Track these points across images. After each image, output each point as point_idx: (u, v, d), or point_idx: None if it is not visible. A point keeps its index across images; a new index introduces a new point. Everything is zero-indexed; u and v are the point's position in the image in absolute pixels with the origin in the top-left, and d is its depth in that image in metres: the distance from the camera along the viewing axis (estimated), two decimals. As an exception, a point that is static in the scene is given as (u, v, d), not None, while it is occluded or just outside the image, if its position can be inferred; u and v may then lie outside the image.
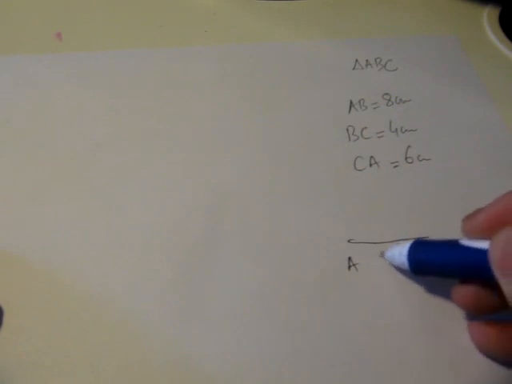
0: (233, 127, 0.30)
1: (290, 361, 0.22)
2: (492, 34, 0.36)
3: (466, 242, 0.21)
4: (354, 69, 0.34)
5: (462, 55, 0.35)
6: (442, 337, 0.23)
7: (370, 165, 0.29)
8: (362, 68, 0.34)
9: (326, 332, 0.23)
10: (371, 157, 0.29)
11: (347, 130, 0.30)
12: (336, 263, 0.25)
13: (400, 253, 0.24)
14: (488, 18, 0.38)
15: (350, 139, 0.30)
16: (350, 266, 0.25)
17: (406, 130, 0.30)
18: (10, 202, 0.26)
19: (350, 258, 0.25)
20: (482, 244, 0.20)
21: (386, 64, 0.34)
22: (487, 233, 0.20)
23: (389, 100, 0.32)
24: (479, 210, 0.22)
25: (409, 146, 0.29)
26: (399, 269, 0.25)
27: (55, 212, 0.26)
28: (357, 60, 0.34)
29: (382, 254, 0.25)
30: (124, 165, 0.28)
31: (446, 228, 0.26)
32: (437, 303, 0.24)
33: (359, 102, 0.32)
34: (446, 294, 0.24)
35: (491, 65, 0.34)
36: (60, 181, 0.27)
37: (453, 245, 0.21)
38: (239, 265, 0.25)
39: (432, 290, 0.24)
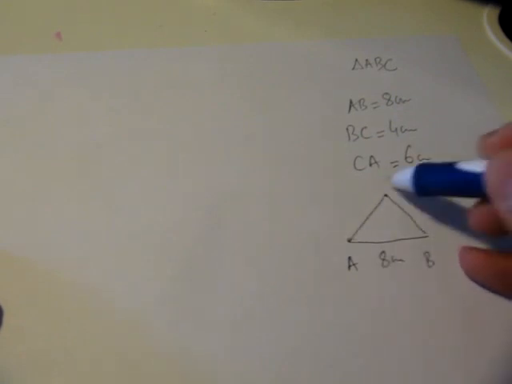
0: (233, 127, 0.30)
1: (290, 361, 0.22)
2: (492, 33, 0.36)
3: (465, 165, 0.22)
4: (353, 69, 0.34)
5: (462, 55, 0.35)
6: (443, 336, 0.23)
7: (370, 164, 0.29)
8: (362, 68, 0.34)
9: (325, 332, 0.23)
10: (371, 156, 0.29)
11: (347, 129, 0.30)
12: (336, 263, 0.25)
13: (405, 177, 0.25)
14: (488, 17, 0.38)
15: (349, 139, 0.30)
16: (349, 266, 0.25)
17: (405, 130, 0.30)
18: (10, 202, 0.26)
19: (349, 258, 0.25)
20: (481, 165, 0.21)
21: (385, 64, 0.34)
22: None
23: (389, 100, 0.32)
24: (494, 131, 0.22)
25: (409, 146, 0.29)
26: (405, 192, 0.27)
27: (55, 212, 0.26)
28: (357, 60, 0.34)
29: (389, 179, 0.27)
30: (124, 165, 0.28)
31: (446, 227, 0.26)
32: (437, 303, 0.24)
33: (359, 101, 0.32)
34: (445, 294, 0.24)
35: (491, 65, 0.34)
36: (60, 181, 0.27)
37: (452, 168, 0.23)
38: (239, 264, 0.25)
39: (432, 290, 0.24)
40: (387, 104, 0.32)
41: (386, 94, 0.32)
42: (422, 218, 0.26)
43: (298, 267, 0.25)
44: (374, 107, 0.31)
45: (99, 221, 0.26)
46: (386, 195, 0.27)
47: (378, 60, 0.34)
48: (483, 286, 0.24)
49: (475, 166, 0.21)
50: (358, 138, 0.30)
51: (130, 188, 0.27)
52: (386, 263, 0.25)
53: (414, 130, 0.30)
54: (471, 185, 0.22)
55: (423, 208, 0.27)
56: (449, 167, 0.23)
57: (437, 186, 0.24)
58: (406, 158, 0.29)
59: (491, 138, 0.22)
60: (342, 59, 0.34)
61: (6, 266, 0.24)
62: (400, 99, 0.32)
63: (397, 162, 0.29)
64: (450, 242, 0.26)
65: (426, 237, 0.26)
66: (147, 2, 0.38)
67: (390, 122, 0.31)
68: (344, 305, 0.24)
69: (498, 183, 0.19)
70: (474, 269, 0.24)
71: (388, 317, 0.23)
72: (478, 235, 0.26)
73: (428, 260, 0.25)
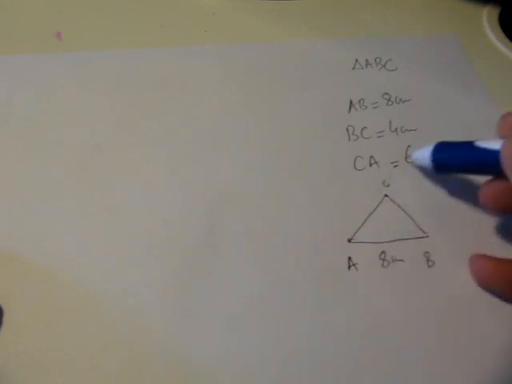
0: (233, 127, 0.30)
1: (290, 361, 0.22)
2: (492, 33, 0.36)
3: (483, 143, 0.23)
4: (353, 69, 0.34)
5: (462, 55, 0.35)
6: (443, 336, 0.23)
7: (370, 164, 0.29)
8: (362, 68, 0.34)
9: (325, 332, 0.23)
10: (371, 156, 0.29)
11: (347, 129, 0.30)
12: (336, 263, 0.25)
13: (424, 154, 0.26)
14: (488, 17, 0.38)
15: (349, 139, 0.30)
16: (349, 266, 0.25)
17: (405, 130, 0.30)
18: (9, 202, 0.26)
19: (349, 258, 0.25)
20: (498, 143, 0.22)
21: (385, 64, 0.34)
22: None
23: (389, 100, 0.32)
24: None
25: (409, 146, 0.29)
26: (424, 169, 0.28)
27: (55, 212, 0.26)
28: (357, 60, 0.34)
29: (410, 156, 0.28)
30: (124, 164, 0.28)
31: (446, 226, 0.26)
32: (437, 303, 0.24)
33: (359, 101, 0.32)
34: (445, 293, 0.24)
35: (491, 64, 0.34)
36: (60, 180, 0.27)
37: (470, 145, 0.23)
38: (239, 264, 0.25)
39: (432, 290, 0.24)
40: (387, 104, 0.32)
41: (386, 94, 0.32)
42: (422, 218, 0.26)
43: (297, 267, 0.25)
44: (374, 107, 0.31)
45: (99, 221, 0.26)
46: (386, 195, 0.27)
47: (378, 60, 0.34)
48: (494, 293, 0.24)
49: (493, 144, 0.22)
50: (358, 138, 0.30)
51: (130, 188, 0.27)
52: (386, 263, 0.25)
53: (414, 130, 0.30)
54: (488, 162, 0.22)
55: (423, 208, 0.27)
56: (467, 145, 0.24)
57: (454, 162, 0.25)
58: (406, 158, 0.29)
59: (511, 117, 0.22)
60: (342, 59, 0.34)
61: (6, 265, 0.24)
62: (400, 99, 0.32)
63: (397, 162, 0.29)
64: (450, 242, 0.26)
65: (426, 237, 0.26)
66: (147, 2, 0.38)
67: (390, 122, 0.31)
68: (344, 305, 0.24)
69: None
70: (485, 277, 0.23)
71: (388, 317, 0.23)
72: (479, 235, 0.26)
73: (428, 260, 0.25)
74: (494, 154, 0.22)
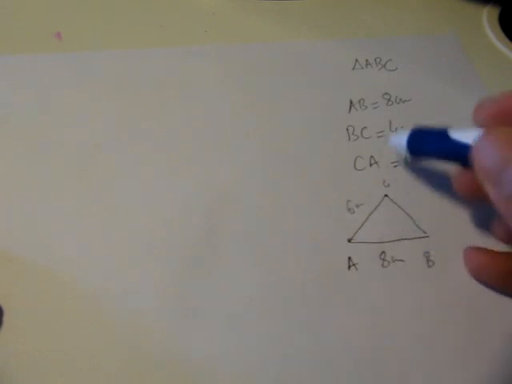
0: (233, 127, 0.30)
1: (290, 361, 0.22)
2: (492, 33, 0.36)
3: (458, 134, 0.23)
4: (353, 69, 0.34)
5: (462, 55, 0.35)
6: (443, 336, 0.23)
7: (370, 164, 0.29)
8: (362, 68, 0.34)
9: (325, 332, 0.23)
10: (371, 156, 0.29)
11: (347, 129, 0.30)
12: (336, 263, 0.25)
13: (400, 140, 0.26)
14: (488, 17, 0.38)
15: (349, 139, 0.30)
16: (349, 266, 0.25)
17: (405, 130, 0.30)
18: (9, 203, 0.26)
19: (349, 258, 0.25)
20: (472, 135, 0.21)
21: (385, 64, 0.34)
22: (491, 124, 0.21)
23: (389, 100, 0.32)
24: (490, 100, 0.22)
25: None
26: (400, 154, 0.28)
27: (55, 212, 0.26)
28: (357, 60, 0.34)
29: (389, 141, 0.29)
30: (124, 164, 0.28)
31: (446, 226, 0.26)
32: (437, 303, 0.24)
33: (359, 101, 0.32)
34: (445, 293, 0.24)
35: (491, 64, 0.34)
36: (60, 180, 0.27)
37: (444, 135, 0.23)
38: (239, 264, 0.25)
39: (432, 290, 0.24)
40: (387, 104, 0.32)
41: (386, 94, 0.32)
42: (422, 218, 0.26)
43: (298, 267, 0.25)
44: (374, 107, 0.31)
45: (99, 221, 0.26)
46: (386, 195, 0.27)
47: (378, 60, 0.34)
48: (488, 286, 0.24)
49: (467, 135, 0.22)
50: (358, 138, 0.30)
51: (130, 188, 0.27)
52: (386, 263, 0.25)
53: (414, 129, 0.30)
54: (460, 155, 0.22)
55: (423, 208, 0.27)
56: (441, 134, 0.24)
57: (427, 151, 0.25)
58: (406, 158, 0.29)
59: (488, 108, 0.21)
60: (342, 59, 0.34)
61: (6, 265, 0.24)
62: (400, 99, 0.32)
63: (397, 162, 0.29)
64: (450, 242, 0.26)
65: (426, 237, 0.26)
66: (147, 2, 0.38)
67: (390, 122, 0.31)
68: (344, 305, 0.24)
69: (494, 166, 0.18)
70: (478, 269, 0.24)
71: (388, 317, 0.23)
72: (479, 235, 0.26)
73: (428, 260, 0.25)
74: (465, 148, 0.21)
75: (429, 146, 0.25)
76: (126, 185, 0.27)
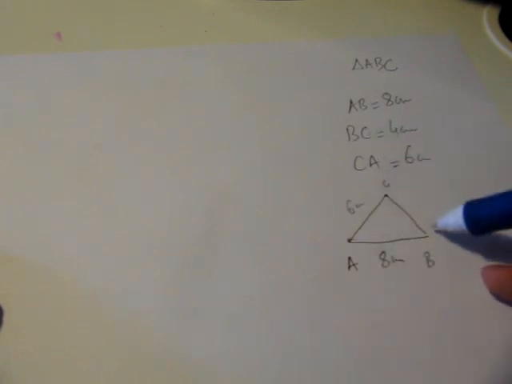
0: (233, 127, 0.30)
1: (290, 361, 0.22)
2: (492, 33, 0.36)
3: None
4: (353, 69, 0.34)
5: (462, 55, 0.35)
6: (443, 336, 0.23)
7: (370, 164, 0.29)
8: (362, 68, 0.34)
9: (325, 332, 0.23)
10: (371, 156, 0.29)
11: (347, 129, 0.30)
12: (336, 263, 0.25)
13: (455, 216, 0.23)
14: (488, 17, 0.38)
15: (349, 139, 0.30)
16: (350, 266, 0.25)
17: (405, 130, 0.30)
18: (9, 203, 0.26)
19: (349, 258, 0.25)
20: None
21: (385, 64, 0.34)
22: None
23: (389, 100, 0.32)
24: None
25: (409, 146, 0.29)
26: (455, 235, 0.25)
27: (55, 212, 0.26)
28: (357, 60, 0.34)
29: (434, 226, 0.25)
30: (124, 165, 0.28)
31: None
32: (437, 303, 0.24)
33: (359, 101, 0.32)
34: (445, 293, 0.24)
35: (491, 64, 0.34)
36: (60, 181, 0.27)
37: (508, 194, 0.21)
38: (239, 264, 0.25)
39: (432, 290, 0.24)
40: (387, 104, 0.32)
41: (386, 94, 0.32)
42: (422, 218, 0.26)
43: (297, 267, 0.25)
44: (374, 107, 0.31)
45: (99, 221, 0.26)
46: (386, 195, 0.27)
47: (378, 60, 0.34)
48: (508, 302, 0.23)
49: None
50: (358, 138, 0.30)
51: (130, 188, 0.27)
52: (386, 263, 0.25)
53: (414, 130, 0.30)
54: None
55: (423, 208, 0.27)
56: (506, 193, 0.21)
57: (497, 215, 0.22)
58: (406, 158, 0.29)
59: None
60: (342, 59, 0.34)
61: (6, 265, 0.24)
62: (400, 99, 0.32)
63: (397, 162, 0.29)
64: (450, 242, 0.26)
65: (426, 237, 0.26)
66: (147, 2, 0.38)
67: (390, 122, 0.31)
68: (344, 305, 0.24)
69: None
70: (499, 285, 0.24)
71: (388, 317, 0.23)
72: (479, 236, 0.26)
73: (428, 260, 0.25)
74: None
75: (496, 209, 0.22)
76: (125, 185, 0.27)
